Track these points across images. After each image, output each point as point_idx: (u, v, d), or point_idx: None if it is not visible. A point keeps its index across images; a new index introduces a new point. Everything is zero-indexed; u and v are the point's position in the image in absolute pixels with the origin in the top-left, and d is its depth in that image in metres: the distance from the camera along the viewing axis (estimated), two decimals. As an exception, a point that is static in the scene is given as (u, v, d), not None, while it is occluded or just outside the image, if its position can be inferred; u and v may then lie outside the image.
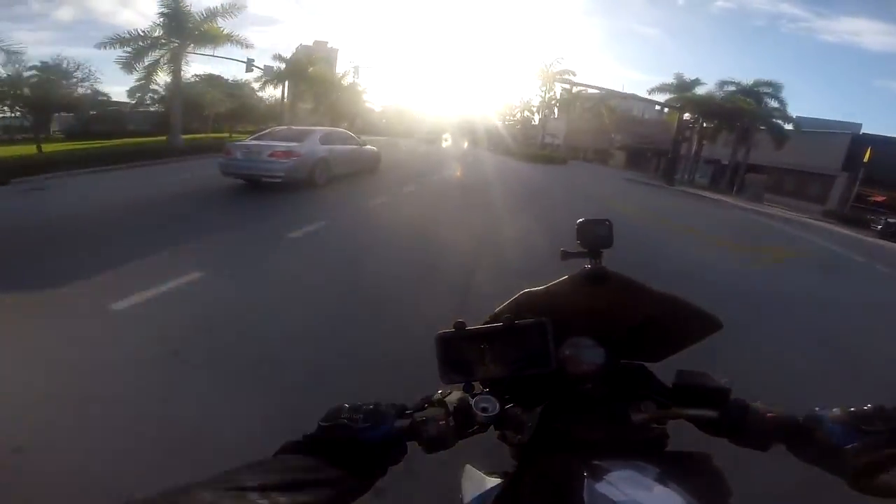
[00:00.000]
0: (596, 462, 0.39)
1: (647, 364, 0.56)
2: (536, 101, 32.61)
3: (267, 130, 8.13)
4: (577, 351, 0.52)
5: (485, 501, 0.52)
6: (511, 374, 0.48)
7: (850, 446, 0.38)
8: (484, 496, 0.55)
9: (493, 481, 0.58)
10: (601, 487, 0.36)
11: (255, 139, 7.35)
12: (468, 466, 0.66)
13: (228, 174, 6.70)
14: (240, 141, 7.40)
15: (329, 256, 3.87)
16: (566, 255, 0.60)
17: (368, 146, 9.72)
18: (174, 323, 2.37)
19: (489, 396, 0.46)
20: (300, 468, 0.34)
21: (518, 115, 36.74)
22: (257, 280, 3.17)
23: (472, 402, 0.45)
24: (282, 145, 6.63)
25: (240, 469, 0.31)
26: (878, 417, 0.39)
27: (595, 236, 0.58)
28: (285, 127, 8.12)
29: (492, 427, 0.47)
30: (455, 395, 0.47)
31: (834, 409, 0.41)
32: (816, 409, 0.42)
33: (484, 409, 0.45)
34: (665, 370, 0.54)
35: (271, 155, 6.42)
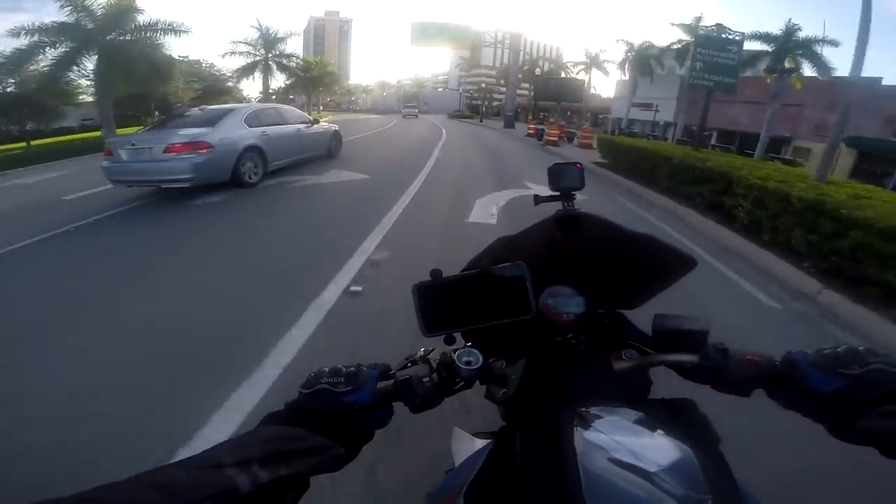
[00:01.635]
0: (584, 410, 0.39)
1: (624, 312, 0.58)
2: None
3: (172, 115, 5.98)
4: (556, 301, 0.53)
5: (476, 462, 0.48)
6: (493, 323, 0.48)
7: (828, 391, 0.39)
8: (474, 457, 0.54)
9: (482, 442, 0.60)
10: (591, 435, 0.36)
11: (149, 129, 5.28)
12: (456, 429, 0.71)
13: (116, 182, 4.69)
14: (124, 136, 5.20)
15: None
16: (538, 200, 0.66)
17: (323, 123, 7.78)
18: None
19: (472, 349, 0.46)
20: (281, 439, 0.33)
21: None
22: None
23: (455, 356, 0.46)
24: (183, 135, 4.64)
25: (219, 446, 0.30)
26: (853, 360, 0.39)
27: (566, 179, 0.61)
28: (198, 108, 5.88)
29: (478, 387, 0.48)
30: (437, 352, 0.47)
31: (808, 352, 0.42)
32: (792, 352, 0.43)
33: (468, 363, 0.45)
34: (641, 315, 0.57)
35: (169, 150, 4.41)
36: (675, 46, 18.94)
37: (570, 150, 11.77)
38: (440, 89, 79.57)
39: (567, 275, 0.55)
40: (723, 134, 20.97)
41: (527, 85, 41.56)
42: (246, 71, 23.41)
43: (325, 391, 0.40)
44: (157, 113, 25.46)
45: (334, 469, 0.35)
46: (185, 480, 0.26)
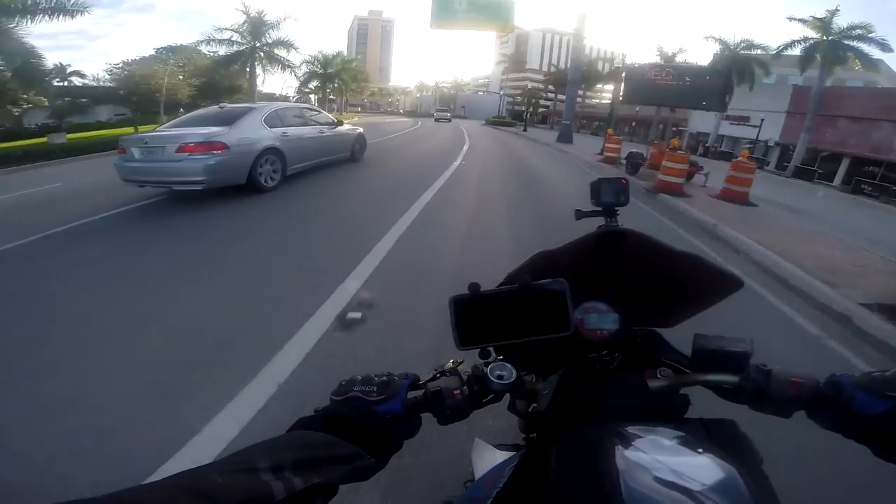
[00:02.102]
0: (624, 429, 0.41)
1: (659, 330, 0.62)
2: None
3: (191, 114, 6.10)
4: (590, 317, 0.59)
5: (500, 474, 0.52)
6: (529, 339, 0.49)
7: (874, 412, 0.42)
8: (497, 469, 0.57)
9: (504, 454, 0.64)
10: (632, 454, 0.38)
11: (166, 126, 5.42)
12: (478, 440, 0.75)
13: (129, 181, 4.81)
14: (138, 134, 5.37)
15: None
16: (581, 215, 0.70)
17: (347, 125, 7.81)
18: None
19: (505, 363, 0.49)
20: (314, 445, 0.35)
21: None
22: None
23: (487, 369, 0.49)
24: (197, 133, 4.66)
25: (251, 448, 0.32)
26: None
27: (609, 195, 0.65)
28: (217, 106, 6.01)
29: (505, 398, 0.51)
30: (467, 364, 0.51)
31: (855, 374, 0.45)
32: (836, 374, 0.46)
33: (500, 377, 0.48)
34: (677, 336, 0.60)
35: (181, 149, 4.45)
36: (792, 47, 16.11)
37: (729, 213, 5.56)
38: (481, 92, 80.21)
39: (603, 291, 0.60)
40: (859, 162, 17.14)
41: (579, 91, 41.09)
42: (226, 62, 21.08)
43: (357, 399, 0.43)
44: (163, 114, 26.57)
45: (365, 478, 0.37)
46: (220, 484, 0.27)
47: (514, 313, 0.49)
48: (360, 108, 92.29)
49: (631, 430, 0.41)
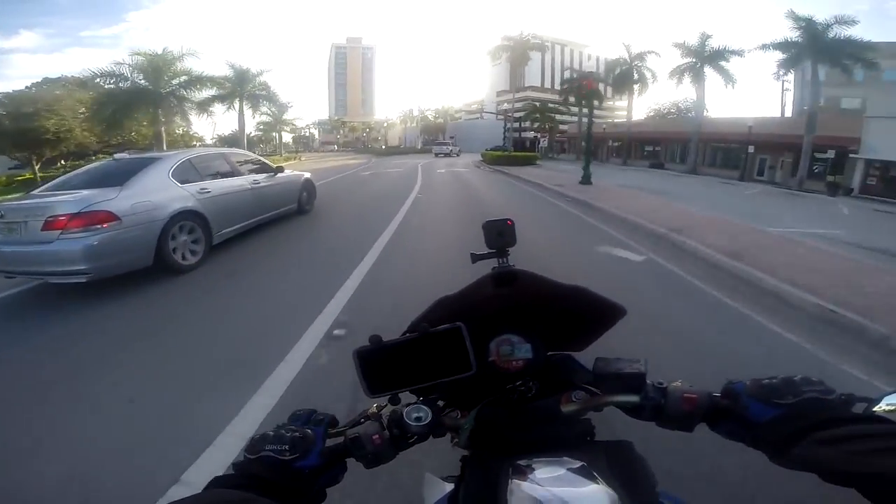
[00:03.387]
0: (522, 461, 0.54)
1: (575, 353, 0.81)
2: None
3: (76, 171, 5.76)
4: (505, 348, 0.74)
5: None
6: (436, 381, 0.64)
7: (765, 420, 0.55)
8: (438, 502, 0.70)
9: (449, 486, 0.74)
10: (526, 487, 0.49)
11: (33, 191, 5.08)
12: (428, 475, 0.90)
13: (-10, 269, 4.41)
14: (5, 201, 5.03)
15: None
16: (476, 258, 0.86)
17: (289, 172, 7.74)
18: None
19: (421, 405, 0.64)
20: (229, 502, 0.42)
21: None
22: None
23: (404, 412, 0.63)
24: (71, 200, 4.21)
25: None
26: (788, 390, 0.55)
27: (499, 236, 0.83)
28: (111, 157, 5.72)
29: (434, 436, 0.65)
30: (389, 408, 0.66)
31: (747, 383, 0.59)
32: (732, 382, 0.61)
33: (418, 420, 0.62)
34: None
35: (50, 225, 4.03)
36: None
37: None
38: (477, 117, 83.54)
39: (515, 324, 0.77)
40: None
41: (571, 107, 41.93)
42: (122, 106, 21.18)
43: (269, 457, 0.54)
44: (62, 163, 25.57)
45: None
46: None
47: (419, 359, 0.64)
48: (335, 147, 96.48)
49: (531, 461, 0.55)
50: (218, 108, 27.60)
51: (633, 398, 0.64)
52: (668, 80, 31.96)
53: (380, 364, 0.63)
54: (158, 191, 4.87)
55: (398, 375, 0.63)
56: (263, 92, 31.69)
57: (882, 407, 0.56)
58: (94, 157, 22.09)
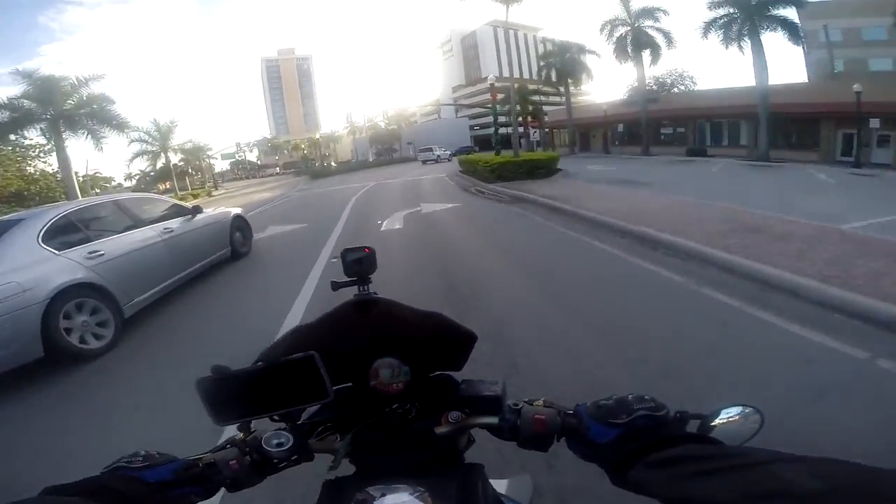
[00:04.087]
0: (373, 489, 0.65)
1: (455, 373, 0.89)
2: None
3: None
4: (384, 371, 0.83)
5: None
6: (291, 409, 0.73)
7: (604, 441, 0.62)
8: None
9: None
10: None
11: None
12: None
13: None
14: None
15: None
16: (336, 286, 0.93)
17: (213, 211, 7.29)
18: None
19: (282, 432, 0.73)
20: None
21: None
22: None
23: (263, 438, 0.72)
24: None
25: None
26: (622, 410, 0.62)
27: (358, 264, 0.91)
28: None
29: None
30: (257, 434, 0.74)
31: (589, 404, 0.68)
32: (579, 404, 0.70)
33: (279, 445, 0.72)
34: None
35: None
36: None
37: None
38: (435, 118, 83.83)
39: (394, 347, 0.85)
40: None
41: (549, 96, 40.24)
42: None
43: (120, 468, 0.61)
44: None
45: None
46: None
47: (273, 387, 0.71)
48: (277, 170, 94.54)
49: (378, 489, 0.64)
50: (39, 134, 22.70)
51: (493, 420, 0.75)
52: (701, 39, 27.74)
53: (229, 393, 0.71)
54: (26, 266, 4.09)
55: (251, 403, 0.72)
56: (92, 109, 23.49)
57: (716, 422, 0.68)
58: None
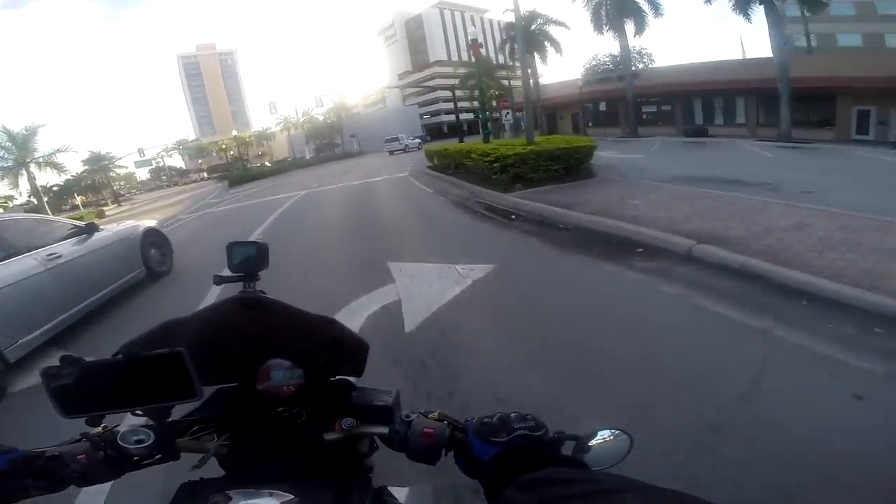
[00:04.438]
0: (230, 492, 0.67)
1: (356, 379, 0.92)
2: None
3: None
4: (276, 373, 0.83)
5: None
6: (152, 406, 0.72)
7: (485, 459, 0.66)
8: None
9: None
10: None
11: None
12: None
13: None
14: None
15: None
16: (219, 280, 0.95)
17: (117, 227, 6.66)
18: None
19: (143, 428, 0.72)
20: None
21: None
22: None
23: (120, 434, 0.71)
24: None
25: None
26: (503, 428, 0.66)
27: (248, 260, 0.92)
28: None
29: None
30: (116, 429, 0.74)
31: (474, 420, 0.71)
32: (468, 419, 0.74)
33: (139, 441, 0.71)
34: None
35: None
36: None
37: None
38: (380, 107, 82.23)
39: (288, 348, 0.85)
40: None
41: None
42: None
43: None
44: None
45: None
46: None
47: (132, 382, 0.69)
48: (204, 175, 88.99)
49: (241, 492, 0.66)
50: None
51: (383, 429, 0.78)
52: (704, 4, 26.33)
53: (84, 385, 0.69)
54: None
55: (107, 397, 0.70)
56: None
57: (591, 444, 0.73)
58: None
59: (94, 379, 0.69)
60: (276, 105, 35.92)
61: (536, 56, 34.92)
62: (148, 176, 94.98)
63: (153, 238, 7.03)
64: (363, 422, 0.79)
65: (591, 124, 37.56)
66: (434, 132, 53.91)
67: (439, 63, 66.41)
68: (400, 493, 0.96)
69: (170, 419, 0.76)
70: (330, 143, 71.11)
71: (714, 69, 28.99)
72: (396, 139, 46.08)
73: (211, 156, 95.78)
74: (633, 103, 31.53)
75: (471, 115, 48.54)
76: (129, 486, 0.95)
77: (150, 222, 7.55)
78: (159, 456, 0.73)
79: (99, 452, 0.69)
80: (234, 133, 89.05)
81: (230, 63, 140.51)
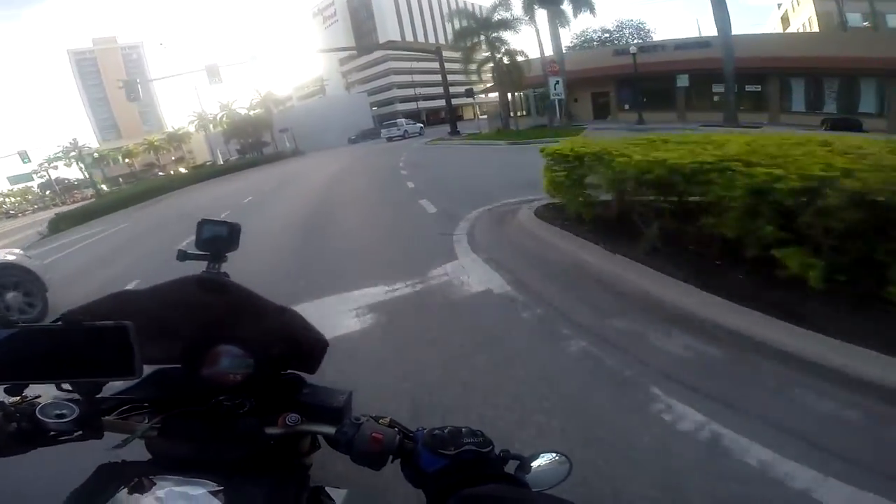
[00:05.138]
0: (153, 477, 0.73)
1: (307, 375, 0.98)
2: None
3: None
4: (224, 360, 0.88)
5: None
6: (83, 380, 0.75)
7: (431, 470, 0.74)
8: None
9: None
10: (135, 500, 0.67)
11: None
12: None
13: None
14: None
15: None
16: (184, 256, 1.05)
17: None
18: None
19: (67, 402, 0.73)
20: None
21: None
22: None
23: (39, 407, 0.73)
24: None
25: None
26: (452, 441, 0.75)
27: (217, 239, 1.00)
28: None
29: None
30: (42, 400, 0.76)
31: (425, 430, 0.80)
32: (419, 429, 0.82)
33: (60, 416, 0.72)
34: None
35: None
36: None
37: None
38: (319, 97, 79.77)
39: (241, 336, 0.89)
40: None
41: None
42: None
43: None
44: None
45: None
46: None
47: (67, 352, 0.72)
48: (101, 188, 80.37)
49: (165, 478, 0.71)
50: None
51: (329, 429, 0.85)
52: None
53: (12, 350, 0.71)
54: None
55: (37, 366, 0.73)
56: None
57: (534, 464, 0.84)
58: None
59: (24, 345, 0.72)
60: (217, 70, 27.45)
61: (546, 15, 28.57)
62: (38, 191, 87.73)
63: (17, 276, 6.11)
64: (309, 420, 0.86)
65: (626, 107, 32.41)
66: (430, 118, 51.75)
67: (391, 45, 63.49)
68: (338, 494, 0.99)
69: (99, 395, 0.78)
70: (257, 141, 63.73)
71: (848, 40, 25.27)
72: (395, 124, 46.58)
73: (119, 164, 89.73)
74: (731, 81, 24.61)
75: (467, 99, 40.70)
76: (42, 461, 0.91)
77: (10, 254, 6.62)
78: (80, 433, 0.75)
79: (11, 424, 0.72)
80: (152, 138, 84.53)
81: (136, 58, 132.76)
